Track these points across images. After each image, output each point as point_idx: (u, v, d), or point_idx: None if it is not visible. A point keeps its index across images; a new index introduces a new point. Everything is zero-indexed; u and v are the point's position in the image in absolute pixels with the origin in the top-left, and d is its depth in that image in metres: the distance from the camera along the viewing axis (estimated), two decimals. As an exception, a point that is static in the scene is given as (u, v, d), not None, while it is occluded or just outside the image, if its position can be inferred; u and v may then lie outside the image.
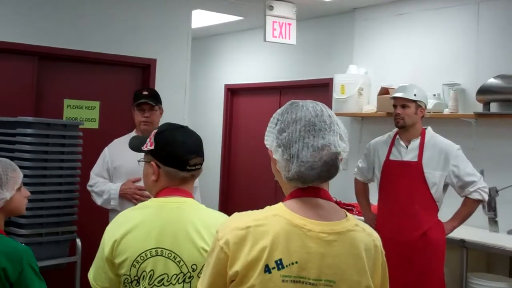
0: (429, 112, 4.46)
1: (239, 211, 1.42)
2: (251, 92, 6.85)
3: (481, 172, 4.06)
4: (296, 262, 1.32)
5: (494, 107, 4.29)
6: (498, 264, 4.10)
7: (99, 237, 1.84)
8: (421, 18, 4.93)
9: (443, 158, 3.43)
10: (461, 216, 3.48)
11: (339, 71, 5.37)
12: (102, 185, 3.38)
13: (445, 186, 3.47)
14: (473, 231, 4.11)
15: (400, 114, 3.46)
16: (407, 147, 3.51)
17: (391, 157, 3.54)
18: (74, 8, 4.55)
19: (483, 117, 4.31)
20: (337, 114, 5.07)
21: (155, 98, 3.41)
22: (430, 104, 4.51)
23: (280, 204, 1.40)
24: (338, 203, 4.84)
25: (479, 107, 4.33)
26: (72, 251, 3.67)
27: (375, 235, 1.46)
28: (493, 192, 4.08)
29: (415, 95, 3.47)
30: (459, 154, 3.46)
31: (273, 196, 5.96)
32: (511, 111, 4.15)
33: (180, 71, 5.08)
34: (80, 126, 3.74)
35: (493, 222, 4.11)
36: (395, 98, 3.52)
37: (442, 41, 4.74)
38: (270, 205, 1.41)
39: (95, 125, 4.67)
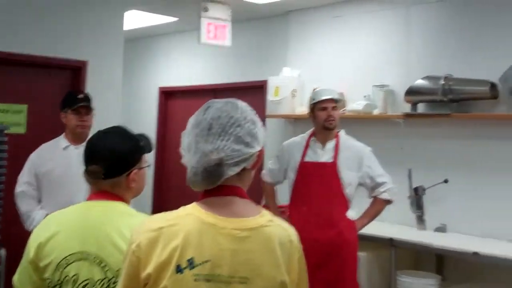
0: (359, 112, 4.61)
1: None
2: (185, 95, 6.78)
3: (409, 171, 4.23)
4: (209, 260, 1.32)
5: (421, 108, 4.42)
6: (426, 261, 4.20)
7: (26, 245, 1.80)
8: (354, 21, 4.99)
9: (358, 159, 3.57)
10: (371, 215, 3.60)
11: (273, 73, 5.39)
12: (27, 204, 3.30)
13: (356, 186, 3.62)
14: (401, 229, 4.20)
15: (333, 115, 3.56)
16: (323, 148, 3.60)
17: (306, 159, 3.61)
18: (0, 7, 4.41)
19: (411, 117, 4.41)
20: (271, 116, 5.20)
21: (90, 102, 3.42)
22: (361, 105, 4.65)
23: (194, 203, 1.41)
24: (267, 208, 4.86)
25: (408, 108, 4.45)
26: (-4, 260, 3.55)
27: (291, 230, 1.46)
28: (421, 191, 4.24)
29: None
30: (371, 156, 3.62)
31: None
32: (438, 112, 4.26)
33: (113, 74, 4.99)
34: (6, 131, 3.64)
35: (420, 220, 4.23)
36: (324, 100, 3.58)
37: (374, 43, 4.83)
38: None
39: (22, 130, 4.52)
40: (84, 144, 1.91)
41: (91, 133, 2.69)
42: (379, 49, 4.80)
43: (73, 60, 4.75)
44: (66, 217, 1.80)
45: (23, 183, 3.35)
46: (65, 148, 3.38)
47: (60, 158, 3.34)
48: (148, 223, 1.38)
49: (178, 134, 1.44)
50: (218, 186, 1.38)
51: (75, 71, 4.84)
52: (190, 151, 1.39)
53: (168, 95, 7.03)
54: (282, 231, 1.42)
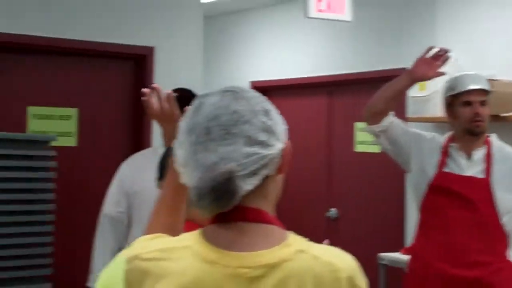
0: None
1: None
2: (287, 92, 6.94)
3: None
4: None
5: None
6: None
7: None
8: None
9: None
10: None
11: (415, 57, 4.97)
12: (100, 252, 3.58)
13: None
14: None
15: (481, 113, 3.68)
16: (468, 158, 3.72)
17: (446, 169, 3.73)
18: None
19: None
20: (414, 120, 5.37)
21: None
22: None
23: (199, 230, 1.53)
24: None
25: None
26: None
27: (340, 265, 1.50)
28: None
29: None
30: None
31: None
32: None
33: (189, 63, 5.17)
34: (53, 143, 4.02)
35: None
36: (469, 92, 3.69)
37: None
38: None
39: (72, 142, 4.83)
40: None
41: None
42: None
43: (135, 47, 5.01)
44: None
45: (111, 204, 3.68)
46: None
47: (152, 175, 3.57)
48: (141, 247, 1.55)
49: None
50: (232, 209, 1.46)
51: (137, 62, 5.14)
52: (188, 167, 1.50)
53: (263, 92, 6.26)
54: (321, 265, 1.47)
